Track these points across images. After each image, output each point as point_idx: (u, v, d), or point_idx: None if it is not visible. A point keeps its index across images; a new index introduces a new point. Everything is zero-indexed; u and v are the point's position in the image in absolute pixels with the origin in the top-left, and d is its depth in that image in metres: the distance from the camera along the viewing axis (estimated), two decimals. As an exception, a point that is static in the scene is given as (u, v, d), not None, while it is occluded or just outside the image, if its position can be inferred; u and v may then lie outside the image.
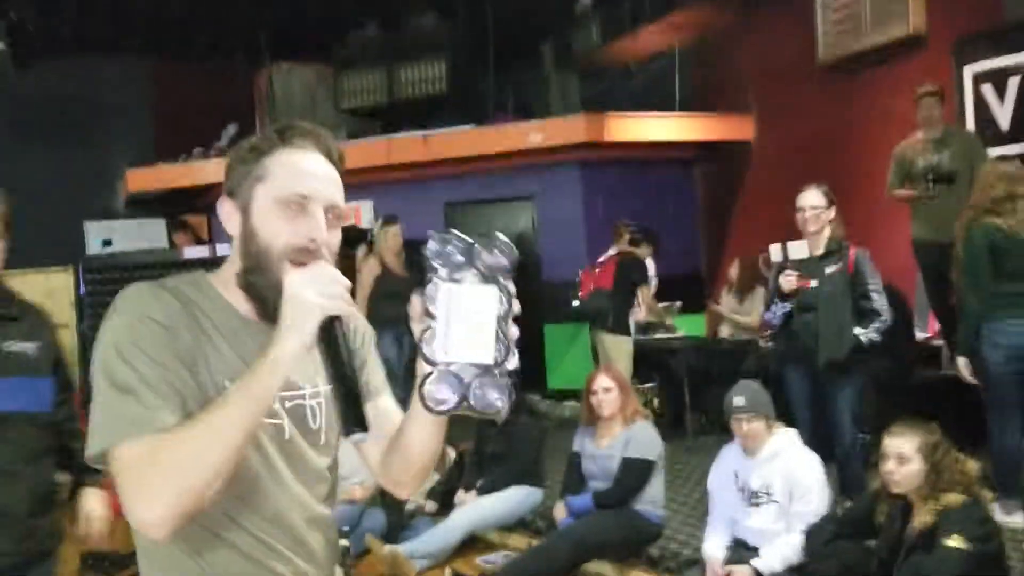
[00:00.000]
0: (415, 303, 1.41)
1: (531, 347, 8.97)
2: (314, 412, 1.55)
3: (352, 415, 1.39)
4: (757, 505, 4.01)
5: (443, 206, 9.47)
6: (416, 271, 7.38)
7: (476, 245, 1.31)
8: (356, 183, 9.20)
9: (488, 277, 1.31)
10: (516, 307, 1.32)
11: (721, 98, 9.65)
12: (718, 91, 9.74)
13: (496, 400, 1.30)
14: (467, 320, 1.30)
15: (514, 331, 1.31)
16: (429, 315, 1.31)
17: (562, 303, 8.20)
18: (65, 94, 10.27)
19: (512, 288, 1.32)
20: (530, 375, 8.60)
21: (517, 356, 1.31)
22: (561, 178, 9.33)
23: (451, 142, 9.23)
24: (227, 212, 1.51)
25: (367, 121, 10.66)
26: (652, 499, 4.54)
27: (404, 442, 1.53)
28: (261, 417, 1.36)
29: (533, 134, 8.82)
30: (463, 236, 1.33)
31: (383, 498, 5.05)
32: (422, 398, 1.30)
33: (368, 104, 10.59)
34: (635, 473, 4.49)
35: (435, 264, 1.31)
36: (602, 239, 7.98)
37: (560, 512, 4.66)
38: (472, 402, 1.30)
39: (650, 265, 7.82)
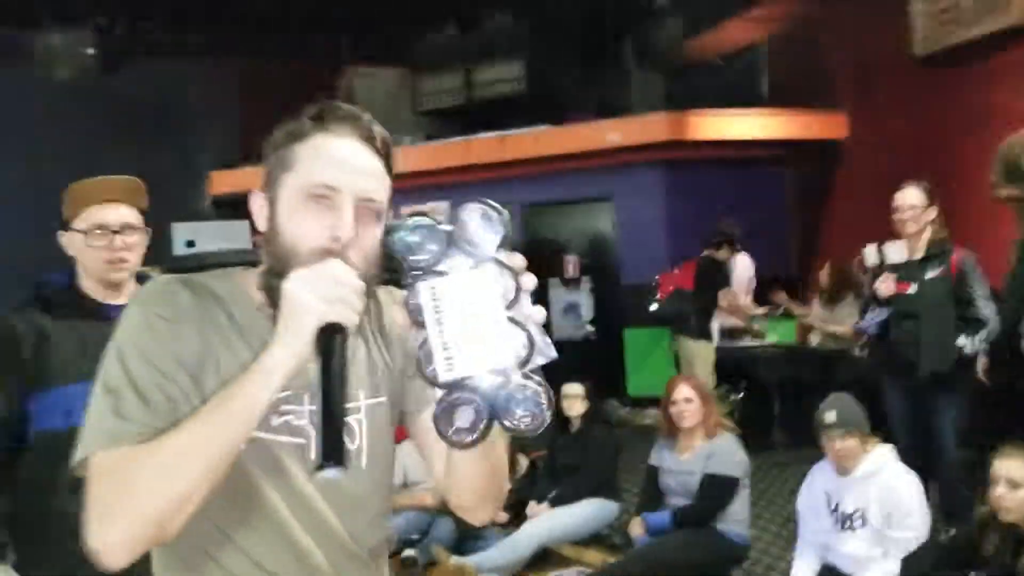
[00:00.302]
0: (396, 314, 1.17)
1: (611, 352, 8.80)
2: (351, 430, 1.35)
3: (328, 446, 1.11)
4: (851, 529, 3.72)
5: (520, 208, 9.33)
6: (542, 268, 7.20)
7: (451, 223, 1.07)
8: (433, 184, 9.21)
9: (479, 257, 1.06)
10: (528, 283, 1.07)
11: (810, 94, 9.27)
12: (807, 86, 9.37)
13: (531, 409, 1.05)
14: (465, 318, 1.05)
15: (534, 313, 1.06)
16: (418, 325, 1.07)
17: (643, 306, 7.98)
18: (152, 97, 10.46)
19: (518, 261, 1.07)
20: (610, 380, 8.39)
21: (548, 343, 1.05)
22: (642, 178, 9.11)
23: (528, 142, 9.10)
24: (258, 206, 1.33)
25: (446, 122, 10.62)
26: (736, 518, 4.29)
27: (453, 468, 1.33)
28: (244, 433, 1.18)
29: (612, 133, 8.62)
30: (430, 216, 1.09)
31: (453, 507, 4.90)
32: (438, 431, 1.07)
33: (446, 105, 10.54)
34: (717, 490, 4.25)
35: (407, 260, 1.08)
36: (684, 241, 7.75)
37: (636, 529, 4.44)
38: (504, 420, 1.05)
39: (748, 266, 7.59)
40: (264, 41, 10.67)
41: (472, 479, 1.33)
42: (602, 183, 9.22)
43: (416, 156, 9.36)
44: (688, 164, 9.03)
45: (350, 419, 1.34)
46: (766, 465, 6.25)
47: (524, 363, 1.05)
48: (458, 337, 1.05)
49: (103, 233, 2.34)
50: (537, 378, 1.06)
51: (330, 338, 1.14)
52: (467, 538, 4.94)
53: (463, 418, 1.06)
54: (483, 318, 1.05)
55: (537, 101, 9.97)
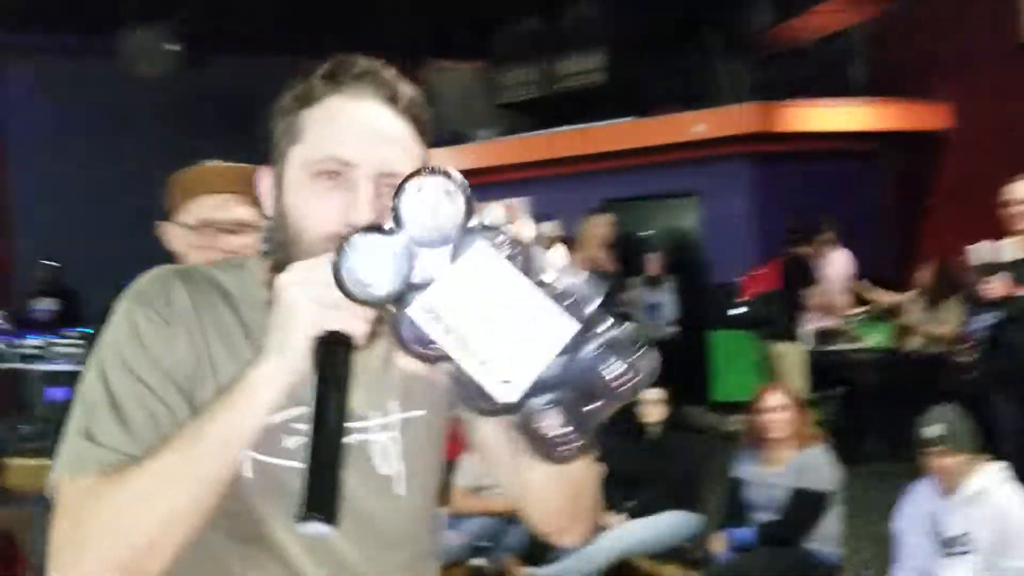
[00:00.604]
0: (405, 364, 0.91)
1: (695, 354, 8.55)
2: (384, 452, 1.15)
3: (315, 494, 0.85)
4: (956, 555, 3.42)
5: (602, 203, 9.14)
6: (624, 265, 7.02)
7: (395, 215, 0.86)
8: (511, 180, 9.08)
9: (449, 240, 0.85)
10: (526, 232, 0.86)
11: (908, 83, 8.93)
12: (904, 75, 9.02)
13: (623, 361, 0.82)
14: (486, 317, 0.82)
15: (553, 259, 0.85)
16: (435, 360, 0.85)
17: (729, 307, 7.75)
18: (233, 93, 10.60)
19: (498, 215, 0.85)
20: (693, 385, 8.12)
21: (587, 279, 0.84)
22: (728, 172, 8.88)
23: (610, 135, 8.95)
24: (265, 185, 1.14)
25: (525, 116, 10.53)
26: (826, 536, 4.04)
27: (527, 490, 1.13)
28: (226, 463, 0.99)
29: (697, 125, 8.42)
30: (371, 225, 0.87)
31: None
32: (534, 455, 0.87)
33: (526, 98, 10.42)
34: (807, 506, 4.00)
35: (374, 300, 0.86)
36: (774, 239, 7.49)
37: (719, 544, 4.22)
38: (602, 395, 0.83)
39: (844, 263, 7.38)
40: (343, 36, 10.73)
41: (548, 500, 1.13)
42: (687, 177, 9.02)
43: (493, 150, 9.25)
44: (777, 157, 8.78)
45: (382, 437, 1.15)
46: (859, 478, 5.92)
47: (581, 320, 0.83)
48: (492, 343, 0.83)
49: (210, 231, 2.04)
50: (606, 324, 0.84)
51: (330, 351, 0.91)
52: (540, 548, 4.77)
53: (552, 426, 0.84)
54: (505, 303, 0.83)
55: (619, 93, 9.82)
